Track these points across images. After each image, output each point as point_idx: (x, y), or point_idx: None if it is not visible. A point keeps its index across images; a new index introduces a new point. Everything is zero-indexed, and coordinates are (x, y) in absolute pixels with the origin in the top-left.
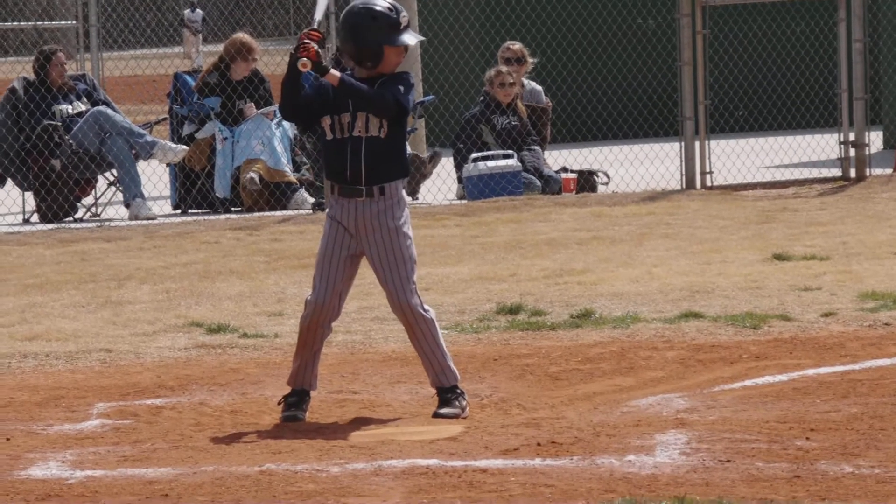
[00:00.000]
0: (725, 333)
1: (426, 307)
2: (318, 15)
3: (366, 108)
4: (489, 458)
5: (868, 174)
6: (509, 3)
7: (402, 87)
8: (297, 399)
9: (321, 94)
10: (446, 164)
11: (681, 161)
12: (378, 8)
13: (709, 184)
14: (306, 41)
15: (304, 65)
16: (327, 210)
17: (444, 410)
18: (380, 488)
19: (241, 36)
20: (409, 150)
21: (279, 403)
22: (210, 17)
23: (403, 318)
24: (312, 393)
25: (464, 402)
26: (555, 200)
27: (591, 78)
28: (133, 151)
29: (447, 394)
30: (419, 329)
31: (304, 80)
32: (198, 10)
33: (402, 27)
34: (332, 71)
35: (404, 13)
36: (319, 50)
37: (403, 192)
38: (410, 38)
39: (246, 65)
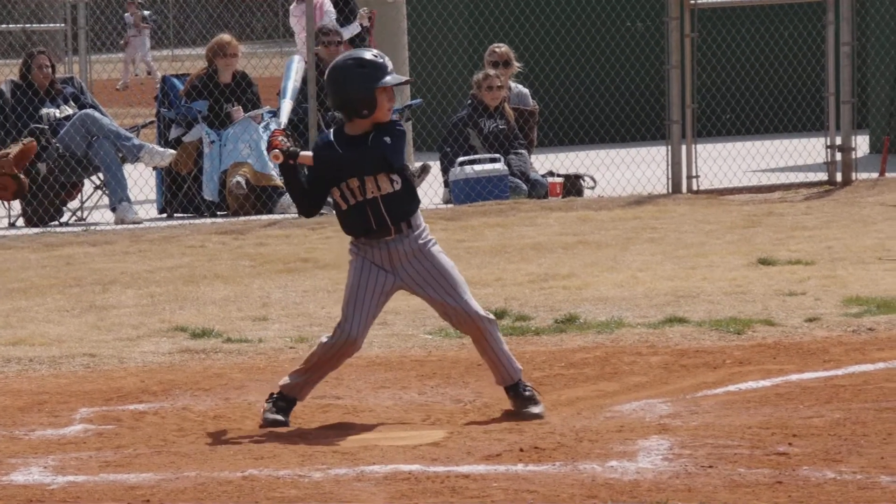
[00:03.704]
0: (709, 338)
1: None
2: (283, 118)
3: (358, 172)
4: (472, 464)
5: (854, 178)
6: (497, 6)
7: (389, 139)
8: (286, 405)
9: (320, 178)
10: (433, 168)
11: (667, 165)
12: (366, 57)
13: (695, 188)
14: (272, 138)
15: (276, 156)
16: (352, 251)
17: (536, 410)
18: (362, 494)
19: (220, 36)
20: None
21: (267, 401)
22: (199, 20)
23: (474, 328)
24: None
25: (539, 397)
26: (541, 205)
27: (578, 81)
28: (120, 155)
29: (523, 389)
30: (489, 333)
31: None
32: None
33: (389, 70)
34: (302, 153)
35: (388, 58)
36: (284, 139)
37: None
38: (396, 79)
39: (226, 61)
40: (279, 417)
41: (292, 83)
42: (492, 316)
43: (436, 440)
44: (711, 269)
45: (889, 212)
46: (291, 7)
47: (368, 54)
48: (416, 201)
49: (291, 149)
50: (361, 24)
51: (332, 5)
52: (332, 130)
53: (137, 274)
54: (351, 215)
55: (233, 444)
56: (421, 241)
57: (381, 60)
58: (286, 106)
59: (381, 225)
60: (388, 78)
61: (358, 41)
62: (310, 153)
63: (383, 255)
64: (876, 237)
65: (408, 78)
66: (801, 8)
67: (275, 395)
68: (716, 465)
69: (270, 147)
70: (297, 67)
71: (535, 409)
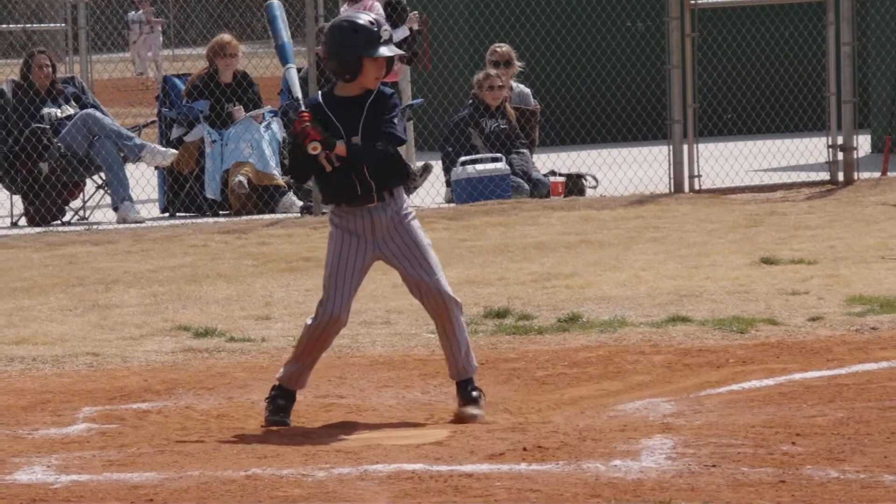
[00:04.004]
0: (712, 337)
1: None
2: (297, 92)
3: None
4: (475, 463)
5: (856, 178)
6: (498, 5)
7: (394, 120)
8: (285, 403)
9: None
10: (434, 168)
11: (669, 164)
12: (360, 21)
13: (697, 187)
14: (304, 125)
15: (315, 148)
16: (332, 221)
17: (474, 411)
18: (365, 493)
19: (220, 36)
20: None
21: (266, 399)
22: (199, 20)
23: (440, 304)
24: (298, 396)
25: (483, 402)
26: (543, 204)
27: (579, 81)
28: (122, 154)
29: (472, 390)
30: (453, 314)
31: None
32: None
33: (382, 41)
34: (339, 144)
35: (385, 27)
36: (318, 127)
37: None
38: (387, 51)
39: (226, 61)
40: (278, 418)
41: (286, 39)
42: (459, 300)
43: (439, 439)
44: (714, 268)
45: (891, 211)
46: (343, 8)
47: (365, 19)
48: (403, 173)
49: (330, 140)
50: (410, 28)
51: (381, 8)
52: (319, 93)
53: (140, 273)
54: (335, 179)
55: (236, 443)
56: (403, 213)
57: (376, 29)
58: (293, 75)
59: (366, 190)
60: (381, 49)
61: (405, 46)
62: (343, 145)
63: (365, 224)
64: (878, 236)
65: (401, 52)
66: (801, 8)
67: (274, 392)
68: (719, 465)
69: (306, 137)
70: (283, 17)
71: (475, 411)
